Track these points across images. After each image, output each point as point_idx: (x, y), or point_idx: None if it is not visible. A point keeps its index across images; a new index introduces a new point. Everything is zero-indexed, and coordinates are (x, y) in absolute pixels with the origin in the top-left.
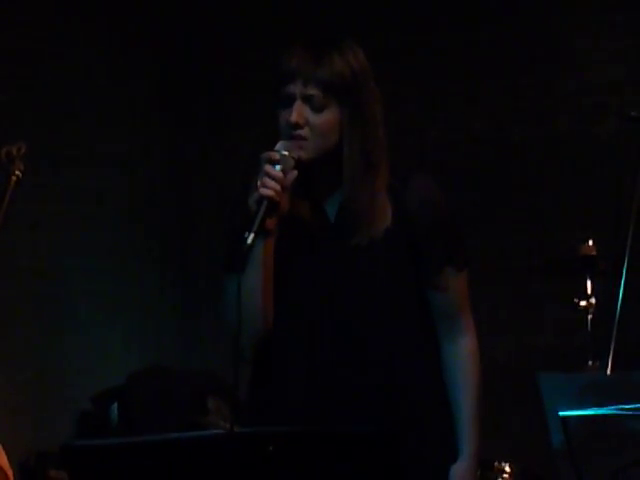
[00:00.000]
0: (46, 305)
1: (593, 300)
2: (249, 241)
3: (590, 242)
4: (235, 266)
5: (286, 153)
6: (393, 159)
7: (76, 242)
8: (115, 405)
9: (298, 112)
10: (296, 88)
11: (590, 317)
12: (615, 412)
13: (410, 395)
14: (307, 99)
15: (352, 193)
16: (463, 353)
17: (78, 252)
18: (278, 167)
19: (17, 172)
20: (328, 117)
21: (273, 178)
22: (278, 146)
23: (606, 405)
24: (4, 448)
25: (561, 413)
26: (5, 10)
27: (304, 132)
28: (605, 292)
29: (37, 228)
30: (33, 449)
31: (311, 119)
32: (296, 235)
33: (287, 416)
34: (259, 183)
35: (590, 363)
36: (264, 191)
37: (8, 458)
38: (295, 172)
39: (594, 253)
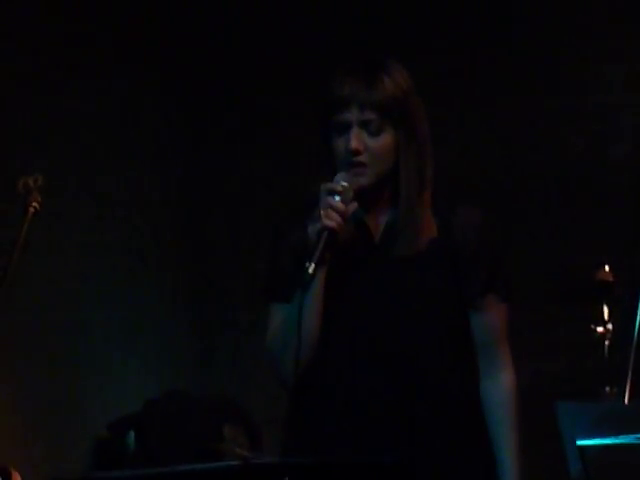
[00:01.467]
0: (62, 331)
1: (610, 326)
2: (310, 271)
3: (606, 267)
4: (286, 292)
5: (346, 185)
6: None
7: (91, 269)
8: (132, 432)
9: (357, 138)
10: (352, 115)
11: (607, 343)
12: (633, 441)
13: (451, 425)
14: (364, 124)
15: (407, 212)
16: (504, 389)
17: (93, 279)
18: (338, 198)
19: (34, 204)
20: (386, 140)
21: (335, 210)
22: (337, 177)
23: (624, 434)
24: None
25: (579, 442)
26: (12, 32)
27: (364, 158)
28: (622, 318)
29: (52, 255)
30: (49, 477)
31: (369, 144)
32: (342, 257)
33: (326, 442)
34: (322, 214)
35: (607, 390)
36: (327, 222)
37: None
38: (355, 204)
39: (611, 278)
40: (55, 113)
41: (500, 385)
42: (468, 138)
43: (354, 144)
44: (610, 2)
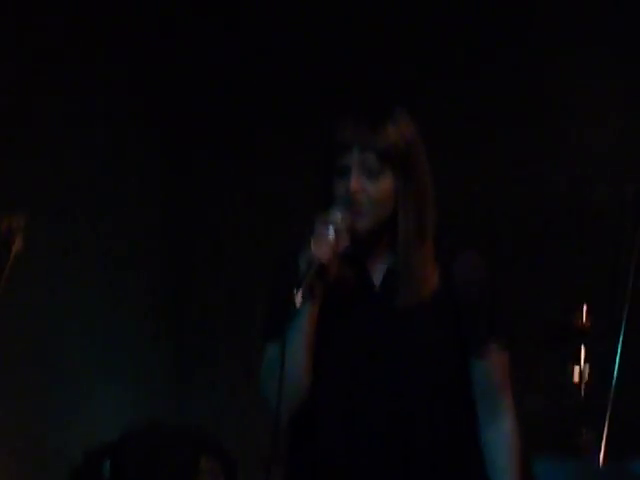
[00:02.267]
0: (39, 360)
1: (587, 370)
2: (297, 300)
3: (584, 311)
4: (279, 330)
5: (341, 218)
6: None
7: (69, 297)
8: (108, 462)
9: (357, 181)
10: (352, 158)
11: (584, 386)
12: None
13: (449, 468)
14: (364, 169)
15: (405, 260)
16: (505, 436)
17: (72, 306)
18: (332, 231)
19: (17, 245)
20: (384, 185)
21: (326, 243)
22: (333, 211)
23: None
24: None
25: None
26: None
27: (362, 202)
28: (599, 362)
29: (32, 282)
30: None
31: (368, 188)
32: (340, 300)
33: (326, 473)
34: (312, 246)
35: (584, 432)
36: (317, 253)
37: None
38: (347, 240)
39: (588, 323)
40: (37, 145)
41: (501, 432)
42: (449, 175)
43: (353, 186)
44: (597, 43)
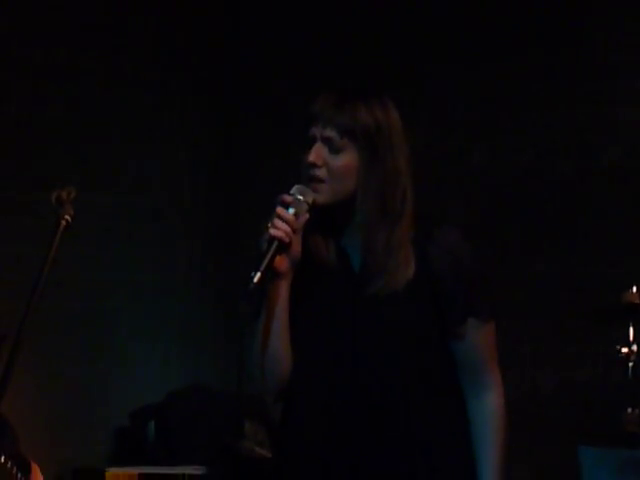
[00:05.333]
0: (86, 321)
1: (635, 347)
2: (255, 280)
3: (634, 289)
4: (245, 307)
5: (300, 197)
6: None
7: (118, 259)
8: (152, 423)
9: (316, 152)
10: (317, 130)
11: (631, 364)
12: None
13: (431, 453)
14: (326, 141)
15: (367, 239)
16: (488, 410)
17: (119, 268)
18: (291, 210)
19: (67, 217)
20: (345, 160)
21: (284, 220)
22: (293, 189)
23: None
24: (41, 464)
25: None
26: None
27: (321, 173)
28: None
29: (78, 244)
30: (70, 465)
31: (329, 160)
32: (320, 280)
33: (306, 462)
34: (269, 224)
35: (629, 411)
36: (273, 231)
37: (44, 474)
38: (307, 215)
39: (637, 300)
40: (87, 104)
41: (485, 405)
42: (499, 146)
43: (312, 157)
44: None
